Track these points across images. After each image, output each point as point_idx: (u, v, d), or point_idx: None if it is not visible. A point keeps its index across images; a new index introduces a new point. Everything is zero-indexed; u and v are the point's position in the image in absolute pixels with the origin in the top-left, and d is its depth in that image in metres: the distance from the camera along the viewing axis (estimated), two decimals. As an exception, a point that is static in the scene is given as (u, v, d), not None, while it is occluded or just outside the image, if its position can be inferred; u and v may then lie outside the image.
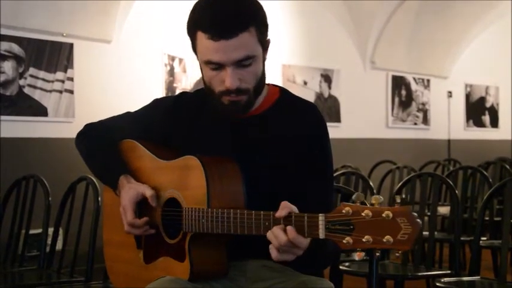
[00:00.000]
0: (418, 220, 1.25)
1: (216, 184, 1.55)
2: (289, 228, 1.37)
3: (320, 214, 1.34)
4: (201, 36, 1.56)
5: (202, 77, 1.65)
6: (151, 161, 1.73)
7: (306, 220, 1.36)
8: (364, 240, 1.27)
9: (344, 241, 1.29)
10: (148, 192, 1.65)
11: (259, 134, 1.67)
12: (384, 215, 1.26)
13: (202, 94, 1.74)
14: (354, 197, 1.32)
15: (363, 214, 1.28)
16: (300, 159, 1.63)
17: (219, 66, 1.57)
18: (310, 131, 1.65)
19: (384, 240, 1.25)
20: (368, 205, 1.30)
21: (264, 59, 1.64)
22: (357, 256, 1.30)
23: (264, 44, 1.62)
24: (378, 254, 1.31)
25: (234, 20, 1.54)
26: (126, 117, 1.85)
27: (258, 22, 1.58)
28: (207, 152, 1.64)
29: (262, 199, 1.58)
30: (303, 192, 1.61)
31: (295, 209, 1.41)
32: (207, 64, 1.59)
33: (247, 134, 1.67)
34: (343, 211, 1.30)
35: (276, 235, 1.39)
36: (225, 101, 1.60)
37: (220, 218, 1.51)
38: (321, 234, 1.33)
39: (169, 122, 1.75)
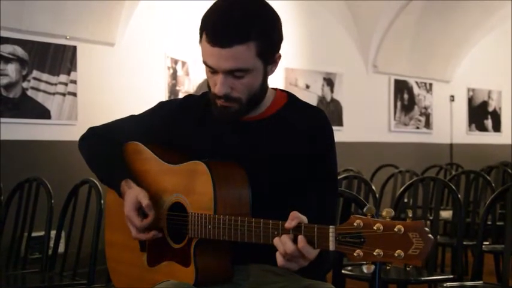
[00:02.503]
0: (431, 236, 1.24)
1: (222, 190, 1.55)
2: (300, 237, 1.37)
3: (330, 226, 1.33)
4: (204, 36, 1.58)
5: None
6: (157, 164, 1.72)
7: (316, 231, 1.36)
8: (374, 253, 1.26)
9: (354, 254, 1.29)
10: (144, 201, 1.64)
11: (265, 137, 1.67)
12: (395, 229, 1.25)
13: (207, 97, 1.75)
14: (365, 209, 1.31)
15: (374, 228, 1.27)
16: (306, 164, 1.63)
17: (214, 70, 1.59)
18: (316, 135, 1.65)
19: (395, 254, 1.24)
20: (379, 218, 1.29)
21: (265, 73, 1.63)
22: (366, 269, 1.29)
23: (267, 59, 1.60)
24: (388, 267, 1.30)
25: (232, 31, 1.53)
26: (131, 120, 1.85)
27: (262, 38, 1.56)
28: (212, 155, 1.64)
29: (267, 203, 1.58)
30: (308, 196, 1.61)
31: (304, 219, 1.40)
32: (204, 64, 1.61)
33: (253, 137, 1.67)
34: (354, 224, 1.30)
35: (284, 242, 1.38)
36: (218, 103, 1.62)
37: (227, 225, 1.50)
38: (331, 246, 1.33)
39: (174, 124, 1.76)
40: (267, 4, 1.62)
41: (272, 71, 1.65)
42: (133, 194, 1.67)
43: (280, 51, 1.65)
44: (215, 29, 1.55)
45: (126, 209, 1.66)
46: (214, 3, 1.60)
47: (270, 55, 1.61)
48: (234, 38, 1.53)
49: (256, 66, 1.58)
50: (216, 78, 1.59)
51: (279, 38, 1.62)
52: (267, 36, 1.58)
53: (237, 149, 1.67)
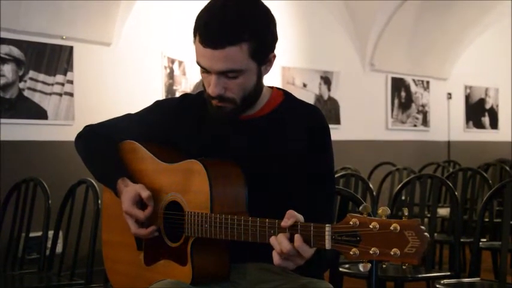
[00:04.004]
0: (426, 234, 1.24)
1: (218, 189, 1.56)
2: (297, 236, 1.37)
3: (327, 225, 1.34)
4: (197, 37, 1.58)
5: None
6: (153, 163, 1.73)
7: (312, 230, 1.36)
8: (371, 252, 1.27)
9: (351, 252, 1.29)
10: (144, 193, 1.65)
11: (262, 136, 1.67)
12: (391, 227, 1.25)
13: (204, 96, 1.75)
14: (361, 208, 1.31)
15: (370, 226, 1.27)
16: (303, 162, 1.63)
17: (206, 70, 1.59)
18: (313, 133, 1.65)
19: (391, 253, 1.25)
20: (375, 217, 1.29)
21: (260, 73, 1.62)
22: (363, 267, 1.29)
23: (261, 60, 1.60)
24: (384, 265, 1.31)
25: (224, 32, 1.53)
26: (127, 119, 1.85)
27: (255, 39, 1.55)
28: (209, 154, 1.64)
29: (264, 201, 1.58)
30: (305, 195, 1.61)
31: (301, 218, 1.40)
32: (198, 65, 1.61)
33: (250, 136, 1.67)
34: (350, 222, 1.30)
35: (280, 241, 1.38)
36: (213, 103, 1.62)
37: (223, 224, 1.50)
38: (327, 244, 1.33)
39: (172, 123, 1.76)
40: (261, 4, 1.61)
41: (267, 71, 1.65)
42: (132, 189, 1.67)
43: (277, 50, 1.65)
44: (207, 30, 1.54)
45: (124, 206, 1.67)
46: (208, 4, 1.60)
47: (263, 55, 1.60)
48: (226, 40, 1.53)
49: (249, 67, 1.58)
50: (209, 78, 1.59)
51: (272, 38, 1.61)
52: (260, 36, 1.57)
53: (233, 147, 1.67)
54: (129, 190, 1.67)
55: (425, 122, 7.51)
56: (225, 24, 1.53)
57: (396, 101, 7.19)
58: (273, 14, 1.63)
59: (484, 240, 3.73)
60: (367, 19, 6.57)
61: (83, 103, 4.68)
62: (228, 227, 1.49)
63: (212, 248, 1.59)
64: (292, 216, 1.39)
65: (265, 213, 1.48)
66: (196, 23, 1.59)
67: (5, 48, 4.31)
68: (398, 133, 7.18)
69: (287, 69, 6.15)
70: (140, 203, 1.67)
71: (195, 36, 1.59)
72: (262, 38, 1.58)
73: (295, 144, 1.64)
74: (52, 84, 4.53)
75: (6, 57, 4.32)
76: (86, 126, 1.90)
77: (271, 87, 1.74)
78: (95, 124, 1.89)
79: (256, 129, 1.67)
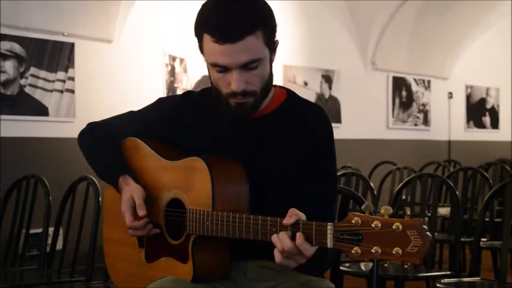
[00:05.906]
0: (428, 233, 1.24)
1: (220, 186, 1.56)
2: (299, 234, 1.37)
3: (329, 223, 1.34)
4: (207, 38, 1.56)
5: (210, 78, 1.65)
6: (155, 160, 1.72)
7: (314, 228, 1.36)
8: (372, 251, 1.27)
9: (352, 251, 1.29)
10: (137, 201, 1.64)
11: (265, 134, 1.67)
12: (393, 226, 1.25)
13: (207, 94, 1.75)
14: (363, 207, 1.32)
15: (372, 225, 1.27)
16: (305, 161, 1.63)
17: (225, 69, 1.57)
18: (315, 132, 1.65)
19: (393, 252, 1.25)
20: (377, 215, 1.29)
21: (271, 61, 1.64)
22: (364, 266, 1.29)
23: (271, 46, 1.61)
24: (386, 264, 1.31)
25: (239, 23, 1.53)
26: (130, 116, 1.85)
27: (265, 25, 1.57)
28: (212, 152, 1.64)
29: (266, 200, 1.58)
30: (307, 193, 1.61)
31: (303, 216, 1.41)
32: (213, 66, 1.59)
33: (252, 134, 1.67)
34: (353, 221, 1.30)
35: (282, 240, 1.38)
36: (232, 102, 1.61)
37: (225, 221, 1.50)
38: (329, 243, 1.33)
39: (174, 120, 1.76)
40: None
41: (273, 60, 1.66)
42: (129, 191, 1.67)
43: (278, 49, 1.66)
44: (221, 26, 1.53)
45: (121, 206, 1.67)
46: (205, 4, 1.59)
47: (272, 41, 1.62)
48: (243, 30, 1.53)
49: (265, 55, 1.59)
50: (228, 76, 1.58)
51: (275, 24, 1.63)
52: (268, 23, 1.59)
53: (237, 146, 1.67)
54: (128, 191, 1.67)
55: (426, 121, 7.51)
56: (238, 16, 1.54)
57: (397, 100, 7.19)
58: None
59: (485, 239, 3.74)
60: (368, 18, 6.57)
61: (84, 100, 4.68)
62: (230, 225, 1.50)
63: (213, 245, 1.59)
64: (294, 215, 1.40)
65: (267, 211, 1.48)
66: (201, 24, 1.58)
67: (6, 45, 4.31)
68: (399, 132, 7.18)
69: (288, 68, 6.14)
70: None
71: (200, 38, 1.59)
72: (269, 23, 1.60)
73: (297, 143, 1.64)
74: (53, 81, 4.53)
75: (8, 53, 4.32)
76: (89, 124, 1.90)
77: (274, 86, 1.74)
78: (98, 121, 1.89)
79: (258, 128, 1.67)
